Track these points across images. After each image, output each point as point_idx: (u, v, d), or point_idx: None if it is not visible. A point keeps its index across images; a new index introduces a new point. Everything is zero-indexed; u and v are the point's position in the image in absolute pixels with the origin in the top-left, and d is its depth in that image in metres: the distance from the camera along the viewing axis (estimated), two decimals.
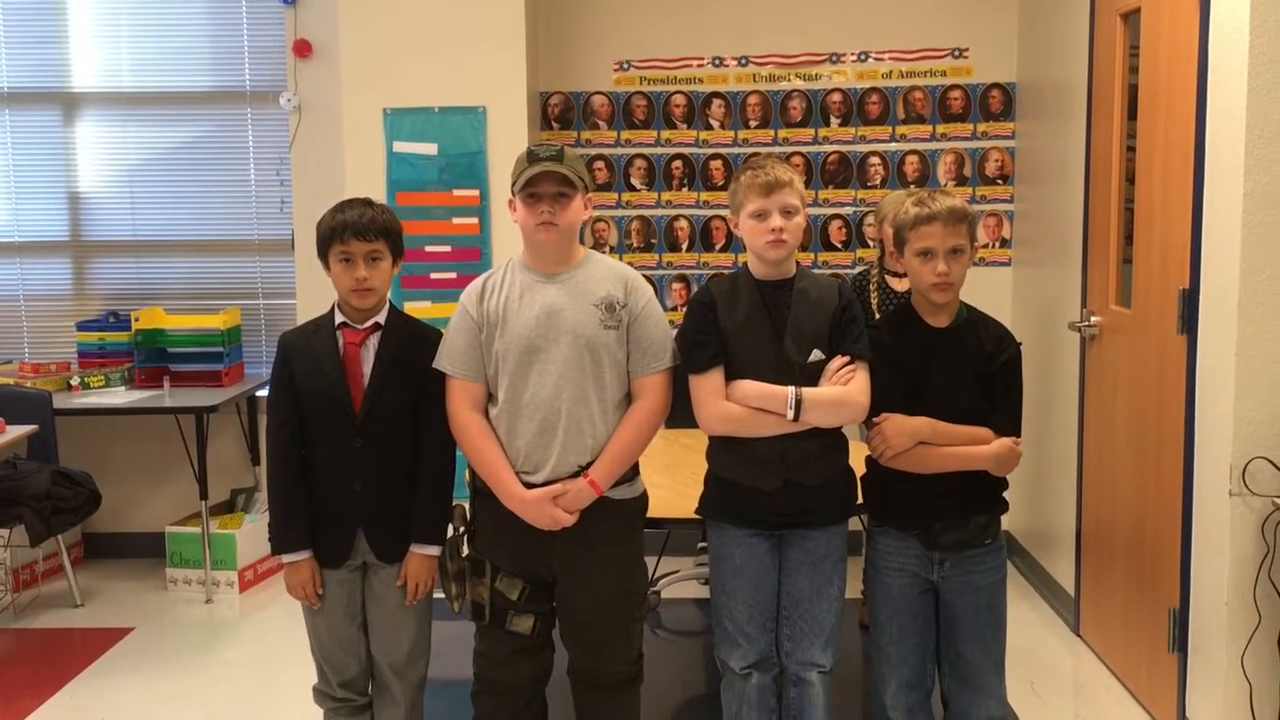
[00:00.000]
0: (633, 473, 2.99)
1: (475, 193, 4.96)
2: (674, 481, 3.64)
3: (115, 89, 5.53)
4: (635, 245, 5.57)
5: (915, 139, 5.47)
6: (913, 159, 5.47)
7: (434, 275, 4.96)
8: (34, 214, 5.61)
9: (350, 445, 2.91)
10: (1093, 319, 4.26)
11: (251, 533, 5.15)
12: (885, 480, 2.90)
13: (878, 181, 5.48)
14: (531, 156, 2.86)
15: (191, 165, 5.56)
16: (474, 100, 4.93)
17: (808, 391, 2.81)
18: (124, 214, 5.61)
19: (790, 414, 2.80)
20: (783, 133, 5.50)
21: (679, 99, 5.50)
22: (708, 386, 2.88)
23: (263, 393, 5.15)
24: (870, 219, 5.42)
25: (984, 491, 2.89)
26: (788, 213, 2.83)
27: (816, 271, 3.01)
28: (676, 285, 5.56)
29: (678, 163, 5.53)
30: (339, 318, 2.97)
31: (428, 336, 3.01)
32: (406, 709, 3.08)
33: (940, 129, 5.46)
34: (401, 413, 2.95)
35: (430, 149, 4.96)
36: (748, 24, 5.46)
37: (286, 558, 2.96)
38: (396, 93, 4.93)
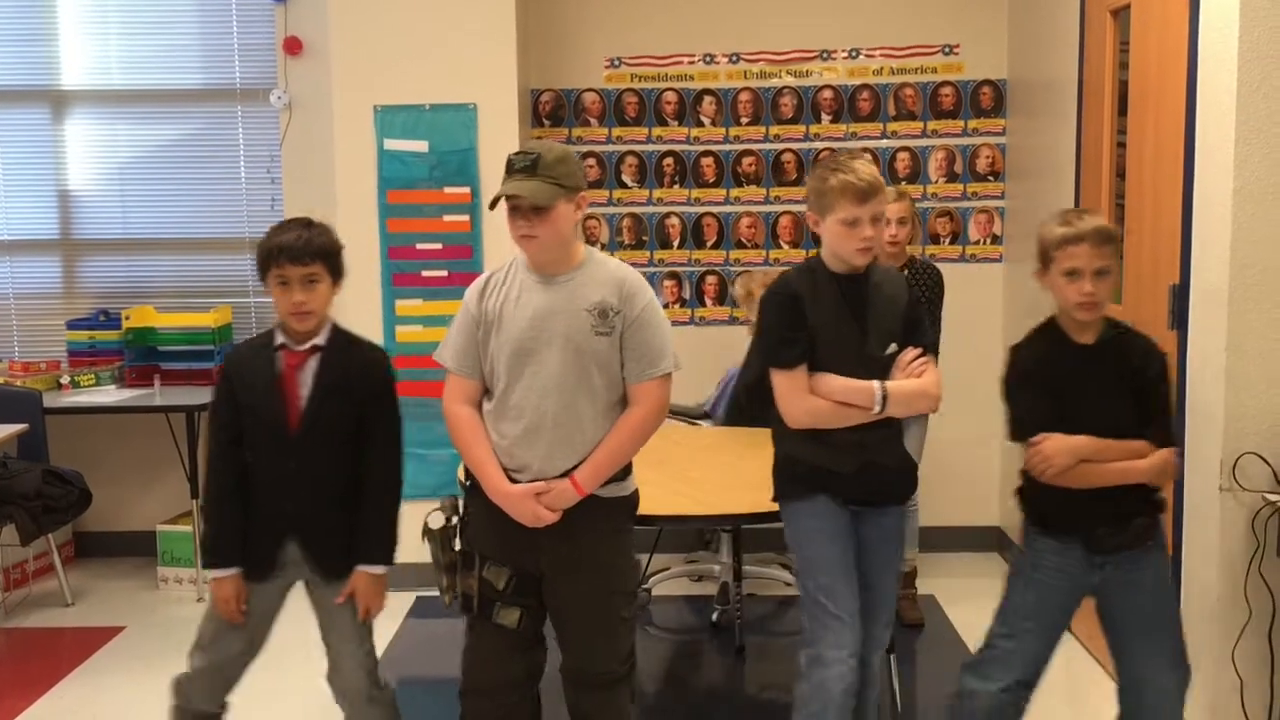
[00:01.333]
0: (624, 471, 2.97)
1: (466, 190, 4.95)
2: (665, 478, 3.64)
3: (105, 86, 5.51)
4: (627, 242, 5.57)
5: (906, 135, 5.47)
6: (904, 155, 5.47)
7: (425, 273, 4.95)
8: (23, 212, 5.60)
9: (285, 466, 2.90)
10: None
11: None
12: (1043, 490, 2.88)
13: None
14: (509, 166, 2.82)
15: (182, 163, 5.54)
16: (465, 97, 4.92)
17: (891, 385, 2.88)
18: (114, 212, 5.59)
19: (876, 408, 2.86)
20: (774, 129, 5.50)
21: (670, 96, 5.50)
22: (794, 383, 2.93)
23: None
24: None
25: (1140, 494, 2.88)
26: (877, 220, 2.88)
27: (883, 265, 3.05)
28: (668, 282, 5.55)
29: (669, 160, 5.53)
30: (279, 338, 2.96)
31: (370, 358, 3.00)
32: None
33: (931, 125, 5.47)
34: (339, 435, 2.93)
35: (421, 146, 4.95)
36: (738, 21, 5.46)
37: (214, 574, 2.94)
38: (387, 90, 4.92)
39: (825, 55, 5.47)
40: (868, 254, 2.89)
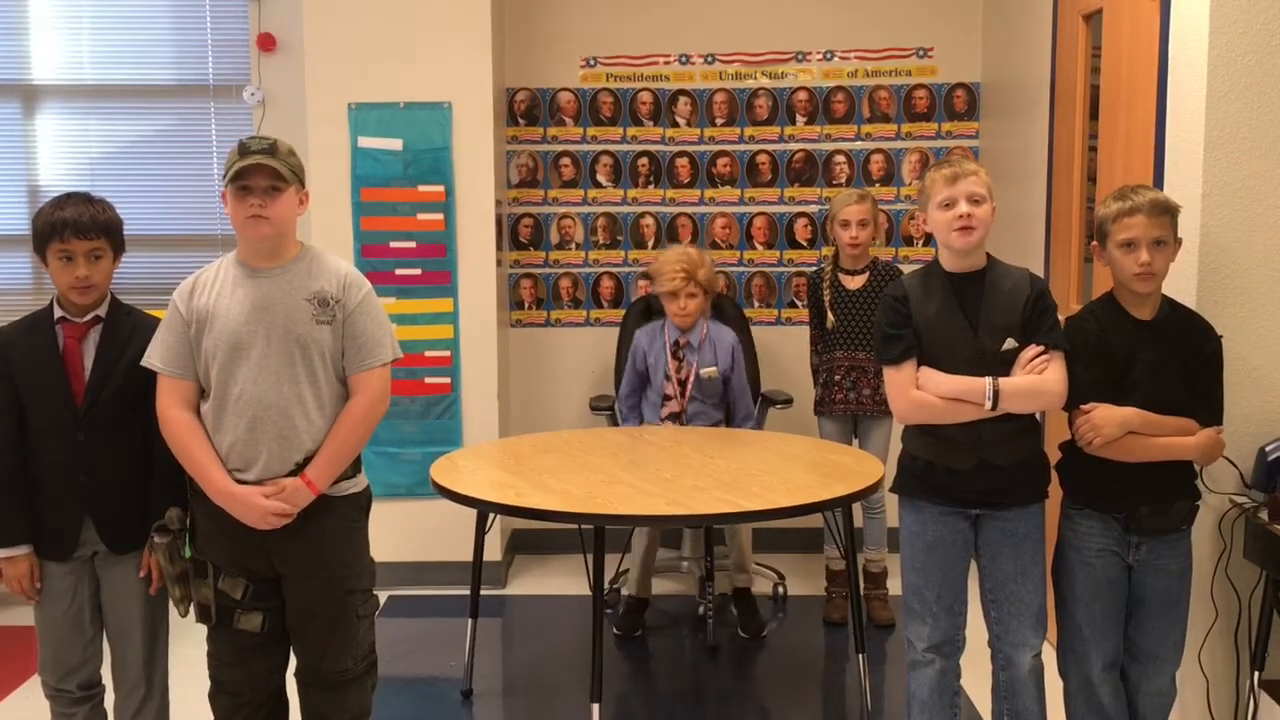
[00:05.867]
0: (354, 468, 2.97)
1: (440, 188, 4.94)
2: (639, 479, 3.64)
3: (77, 81, 5.46)
4: (601, 242, 5.57)
5: (880, 138, 5.50)
6: (878, 158, 5.49)
7: (399, 271, 4.94)
8: None
9: (74, 438, 2.89)
10: (1065, 319, 4.28)
11: None
12: (1088, 465, 2.94)
13: (843, 180, 5.50)
14: (243, 149, 2.83)
15: (154, 159, 5.49)
16: (440, 96, 4.92)
17: (1004, 382, 2.88)
18: None
19: (988, 404, 2.87)
20: (749, 130, 5.51)
21: (645, 96, 5.51)
22: (901, 378, 2.97)
23: None
24: None
25: (1182, 478, 2.96)
26: (975, 201, 2.90)
27: (1008, 263, 3.06)
28: (642, 282, 5.56)
29: (644, 160, 5.54)
30: (58, 312, 2.95)
31: (152, 328, 2.98)
32: (150, 699, 3.07)
33: (905, 128, 5.49)
34: (126, 404, 2.93)
35: (395, 144, 4.94)
36: (714, 22, 5.47)
37: (2, 552, 2.92)
38: (362, 88, 4.91)
39: (800, 57, 5.49)
40: (967, 234, 2.89)
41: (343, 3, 4.86)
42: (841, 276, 4.57)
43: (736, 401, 4.69)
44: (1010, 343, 2.92)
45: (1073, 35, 4.23)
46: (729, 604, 4.71)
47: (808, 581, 5.07)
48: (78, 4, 5.42)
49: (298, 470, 2.84)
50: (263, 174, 2.80)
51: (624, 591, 4.78)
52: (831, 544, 4.67)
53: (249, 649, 2.94)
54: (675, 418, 4.63)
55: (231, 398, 2.82)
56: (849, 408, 4.57)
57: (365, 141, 4.93)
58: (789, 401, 4.92)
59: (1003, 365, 2.91)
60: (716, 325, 4.72)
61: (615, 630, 4.61)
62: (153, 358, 2.88)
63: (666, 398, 4.63)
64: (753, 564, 4.75)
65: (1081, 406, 2.91)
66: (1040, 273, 4.45)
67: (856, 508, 4.21)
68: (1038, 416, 3.05)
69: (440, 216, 4.96)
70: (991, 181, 2.97)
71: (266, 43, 5.29)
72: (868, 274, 4.55)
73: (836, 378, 4.57)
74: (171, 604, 3.00)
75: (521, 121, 5.52)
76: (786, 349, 5.45)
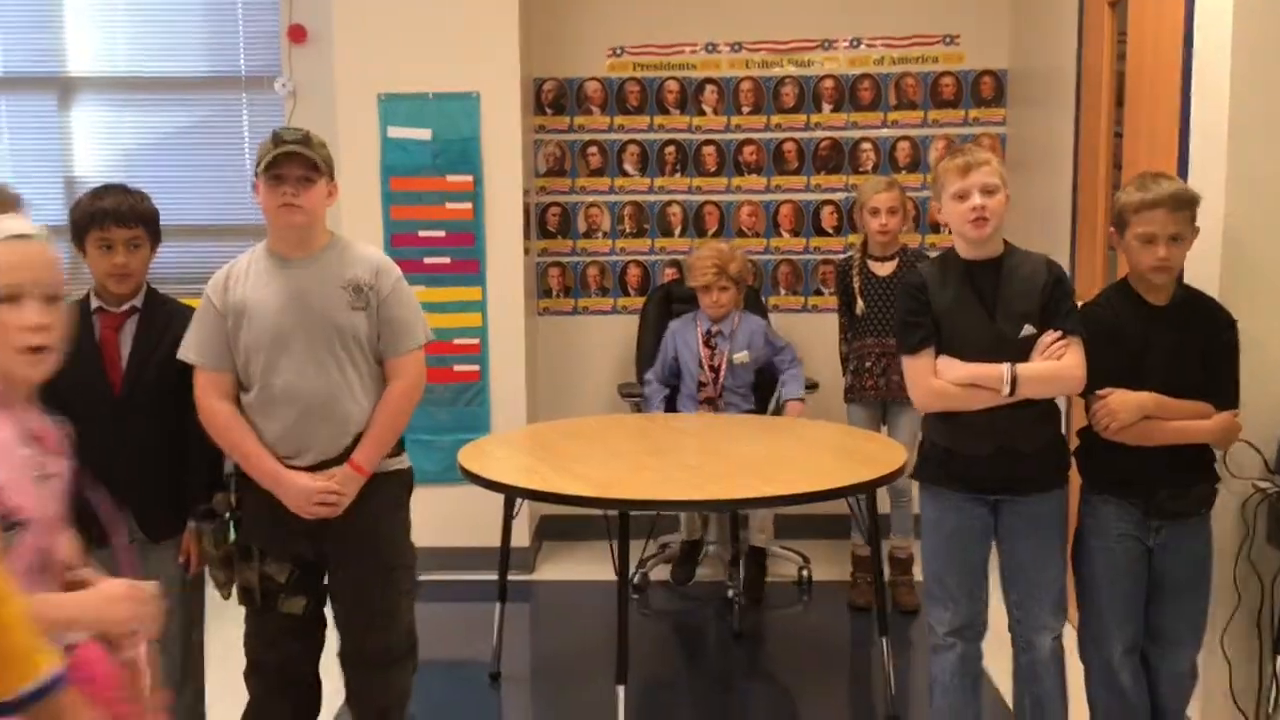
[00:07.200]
0: (398, 447, 3.02)
1: (469, 178, 4.98)
2: (663, 465, 3.68)
3: (111, 74, 5.54)
4: (628, 230, 5.60)
5: (907, 125, 5.50)
6: (904, 145, 5.50)
7: (427, 260, 4.99)
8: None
9: (110, 428, 2.91)
10: (1080, 305, 4.28)
11: None
12: (1107, 450, 2.96)
13: (869, 167, 5.51)
14: (277, 139, 2.87)
15: (187, 150, 5.56)
16: (468, 86, 4.95)
17: (1022, 368, 2.89)
18: None
19: (1006, 390, 2.88)
20: (775, 119, 5.52)
21: (672, 85, 5.53)
22: (921, 366, 2.98)
23: None
24: None
25: (1201, 461, 2.98)
26: (988, 191, 2.91)
27: (1025, 249, 3.07)
28: (669, 270, 5.58)
29: (670, 148, 5.56)
30: (95, 302, 2.99)
31: (188, 317, 3.01)
32: (186, 683, 3.09)
33: (932, 115, 5.49)
34: (162, 393, 2.96)
35: (424, 134, 4.99)
36: (741, 10, 5.48)
37: None
38: (391, 78, 4.95)
39: (827, 45, 5.49)
40: (982, 225, 2.91)
41: None
42: (871, 263, 4.59)
43: (779, 357, 4.85)
44: (1028, 329, 2.93)
45: (1098, 22, 4.22)
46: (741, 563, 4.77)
47: (833, 567, 5.09)
48: None
49: (346, 455, 2.90)
50: (297, 163, 2.85)
51: (681, 539, 5.01)
52: (857, 530, 4.69)
53: (288, 632, 3.00)
54: (710, 403, 4.72)
55: (277, 388, 2.88)
56: (879, 394, 4.59)
57: (394, 131, 4.98)
58: (814, 386, 4.95)
59: (1020, 352, 2.92)
60: (747, 315, 4.87)
61: (673, 582, 4.88)
62: (189, 352, 2.93)
63: (701, 384, 4.75)
64: (772, 527, 4.92)
65: (1098, 392, 2.92)
66: (1065, 260, 4.45)
67: (882, 494, 4.24)
68: (1057, 402, 3.07)
69: (469, 205, 5.00)
70: (1004, 169, 2.98)
71: (297, 34, 5.35)
72: (897, 260, 4.57)
73: (867, 364, 4.60)
74: (212, 587, 3.05)
75: (549, 111, 5.55)
76: (812, 336, 5.46)
